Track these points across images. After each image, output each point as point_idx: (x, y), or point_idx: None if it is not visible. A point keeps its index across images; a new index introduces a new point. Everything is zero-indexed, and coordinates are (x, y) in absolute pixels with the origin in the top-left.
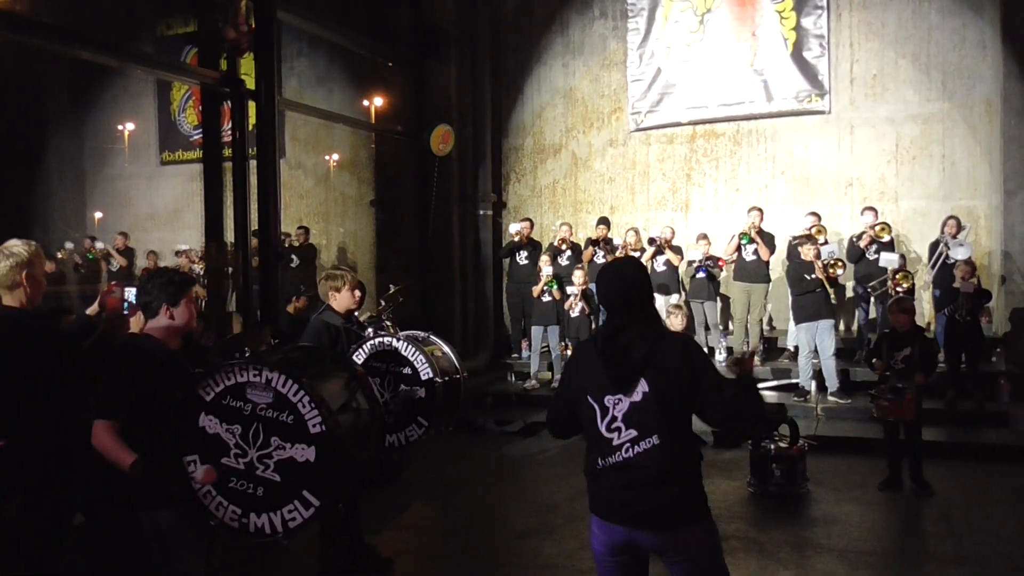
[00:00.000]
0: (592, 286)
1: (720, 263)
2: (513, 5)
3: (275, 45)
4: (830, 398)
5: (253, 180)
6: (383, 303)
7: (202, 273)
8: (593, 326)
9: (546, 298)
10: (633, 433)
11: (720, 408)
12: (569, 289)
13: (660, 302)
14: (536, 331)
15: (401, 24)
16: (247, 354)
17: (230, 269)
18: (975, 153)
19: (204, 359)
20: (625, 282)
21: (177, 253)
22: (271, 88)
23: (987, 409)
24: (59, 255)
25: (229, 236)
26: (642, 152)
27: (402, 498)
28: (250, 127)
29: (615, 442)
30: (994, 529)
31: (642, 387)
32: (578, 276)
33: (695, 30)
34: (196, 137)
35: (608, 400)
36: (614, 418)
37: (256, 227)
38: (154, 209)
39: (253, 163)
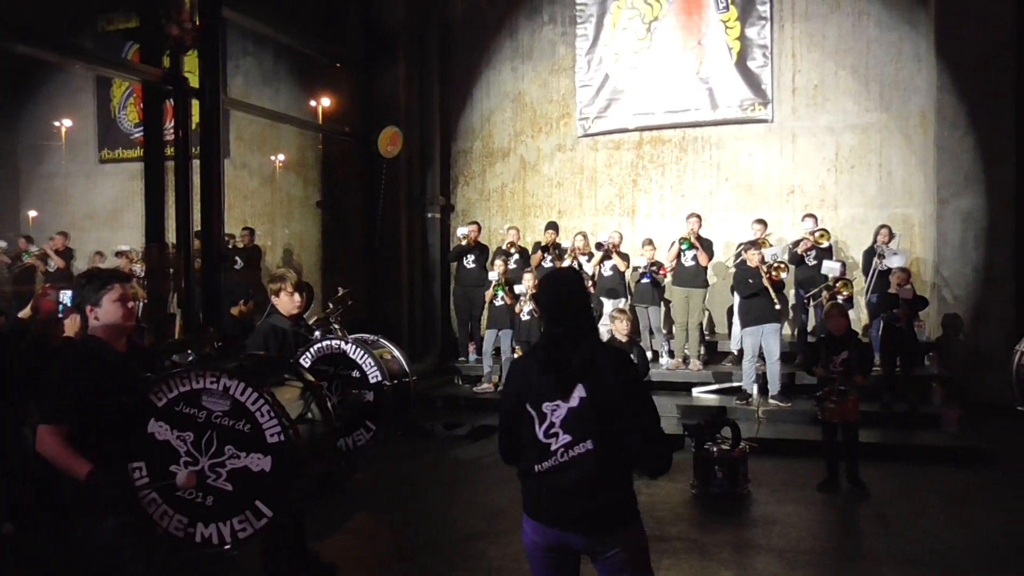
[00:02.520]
0: None
1: (662, 271)
2: (462, 9)
3: (220, 43)
4: (771, 401)
5: (196, 180)
6: (331, 306)
7: (143, 275)
8: (542, 328)
9: (499, 302)
10: (568, 438)
11: (644, 448)
12: (517, 288)
13: (607, 306)
14: (489, 335)
15: (350, 25)
16: (191, 357)
17: (172, 271)
18: (910, 163)
19: (153, 363)
20: (564, 291)
21: (117, 254)
22: (216, 87)
23: (920, 411)
24: None
25: (171, 237)
26: (590, 157)
27: (347, 503)
28: (193, 126)
29: (552, 447)
30: (926, 528)
31: (579, 392)
32: (528, 279)
33: (642, 37)
34: (137, 135)
35: (546, 407)
36: (552, 424)
37: (199, 228)
38: (92, 208)
39: (196, 163)
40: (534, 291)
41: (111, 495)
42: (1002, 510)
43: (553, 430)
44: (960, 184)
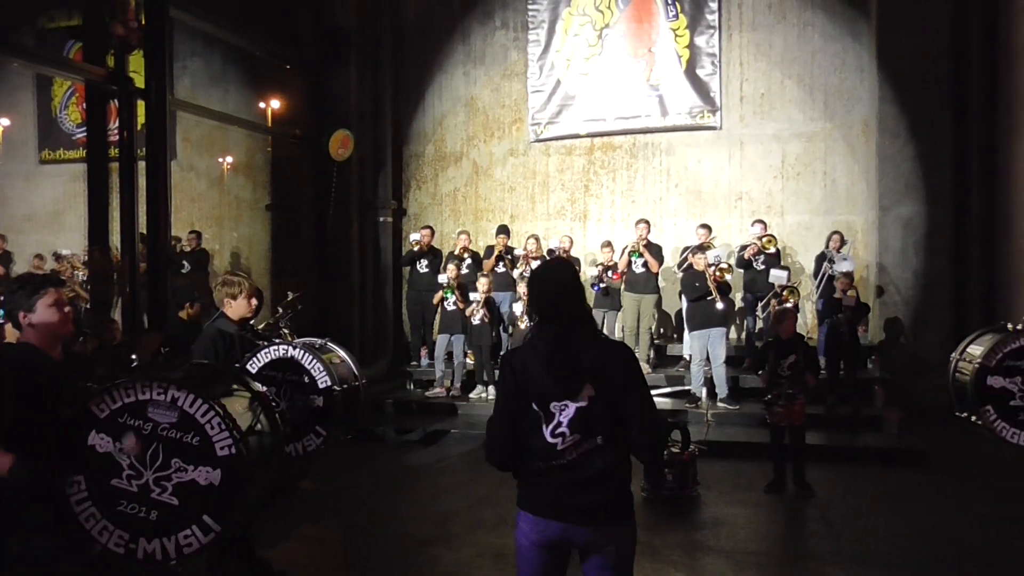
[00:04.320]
0: (495, 294)
1: (615, 275)
2: (415, 12)
3: (167, 43)
4: (719, 404)
5: (142, 182)
6: (280, 310)
7: (85, 279)
8: (494, 333)
9: (450, 306)
10: (577, 436)
11: (640, 429)
12: (472, 295)
13: None
14: (441, 339)
15: (301, 27)
16: (134, 364)
17: (116, 274)
18: (854, 171)
19: (91, 371)
20: (562, 286)
21: (56, 257)
22: (162, 87)
23: (863, 414)
24: None
25: (115, 240)
26: (542, 162)
27: (298, 509)
28: (139, 127)
29: (559, 447)
30: (869, 528)
31: (588, 391)
32: (482, 283)
33: (594, 44)
34: (80, 136)
35: (554, 406)
36: (559, 423)
37: (144, 231)
38: (32, 210)
39: (142, 164)
40: (486, 295)
41: (34, 487)
42: (940, 510)
43: (560, 429)
44: (901, 192)
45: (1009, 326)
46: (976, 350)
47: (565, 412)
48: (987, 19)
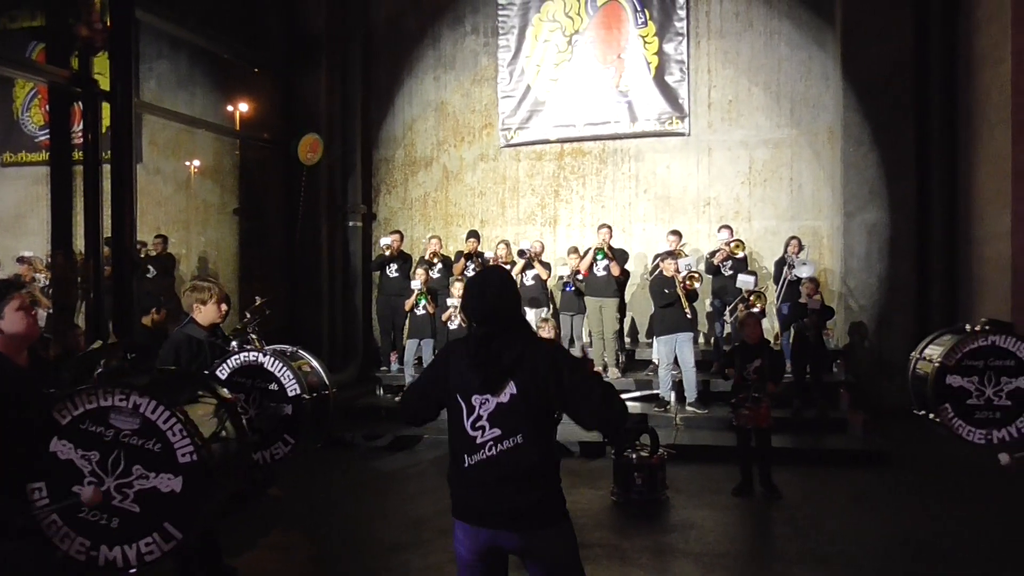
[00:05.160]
0: None
1: (584, 273)
2: (385, 17)
3: (132, 45)
4: (688, 408)
5: (107, 185)
6: (248, 315)
7: (47, 283)
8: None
9: (420, 311)
10: (497, 432)
11: (593, 410)
12: (449, 301)
13: (530, 315)
14: (411, 344)
15: (271, 30)
16: (100, 370)
17: (80, 279)
18: (819, 177)
19: (56, 378)
20: (491, 292)
21: (19, 260)
22: (128, 89)
23: (829, 417)
24: None
25: (79, 244)
26: (512, 167)
27: (267, 517)
28: (104, 130)
29: (479, 440)
30: (835, 529)
31: (510, 389)
32: (457, 288)
33: (563, 50)
34: (43, 138)
35: (475, 399)
36: (479, 416)
37: (109, 235)
38: None
39: (107, 167)
40: (462, 299)
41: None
42: (904, 510)
43: (480, 423)
44: (865, 198)
45: (967, 327)
46: (935, 350)
47: (485, 406)
48: (948, 29)
